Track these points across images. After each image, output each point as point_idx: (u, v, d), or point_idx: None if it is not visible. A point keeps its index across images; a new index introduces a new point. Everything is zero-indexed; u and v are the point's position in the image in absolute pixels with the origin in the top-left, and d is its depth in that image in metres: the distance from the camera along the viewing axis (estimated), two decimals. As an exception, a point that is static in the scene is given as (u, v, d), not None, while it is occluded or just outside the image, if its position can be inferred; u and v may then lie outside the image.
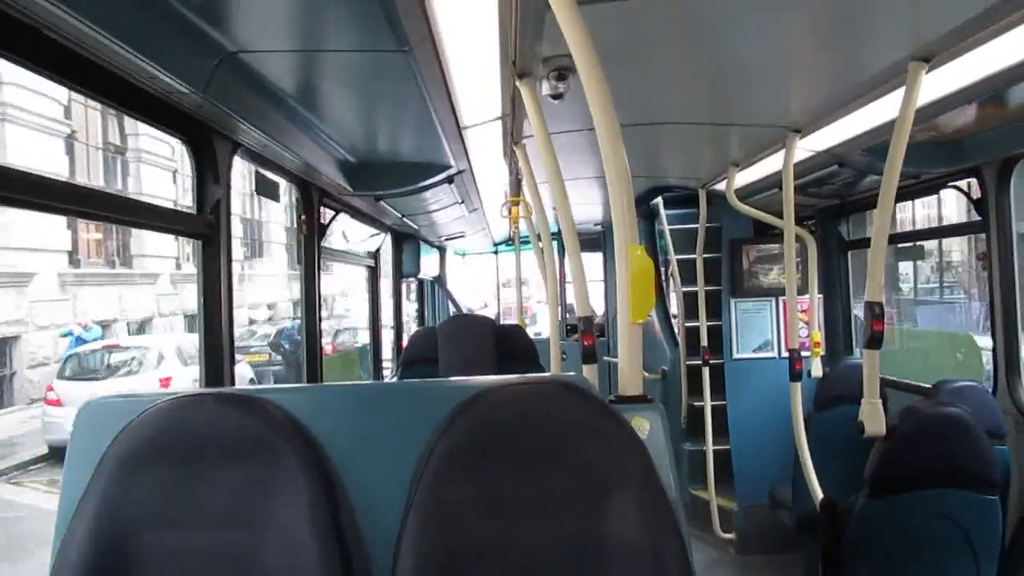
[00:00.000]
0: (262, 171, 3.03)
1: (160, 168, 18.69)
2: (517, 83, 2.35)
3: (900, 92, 2.40)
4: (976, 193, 3.70)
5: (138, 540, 1.38)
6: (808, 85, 2.87)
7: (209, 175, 2.44)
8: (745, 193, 4.37)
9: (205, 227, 2.45)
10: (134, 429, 1.44)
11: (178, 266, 19.66)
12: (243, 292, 21.99)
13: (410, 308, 6.88)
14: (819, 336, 4.81)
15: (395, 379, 5.45)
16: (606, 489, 1.37)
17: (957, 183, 3.90)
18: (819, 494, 3.35)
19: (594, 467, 1.38)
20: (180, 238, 17.86)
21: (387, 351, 6.46)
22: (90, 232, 16.92)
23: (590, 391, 1.48)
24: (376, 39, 2.05)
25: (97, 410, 1.59)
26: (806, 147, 3.45)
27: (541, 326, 6.33)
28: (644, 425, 1.56)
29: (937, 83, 2.44)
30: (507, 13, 1.95)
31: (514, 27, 2.01)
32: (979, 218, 3.69)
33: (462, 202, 4.95)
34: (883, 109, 2.72)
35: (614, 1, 1.89)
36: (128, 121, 16.98)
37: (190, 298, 18.29)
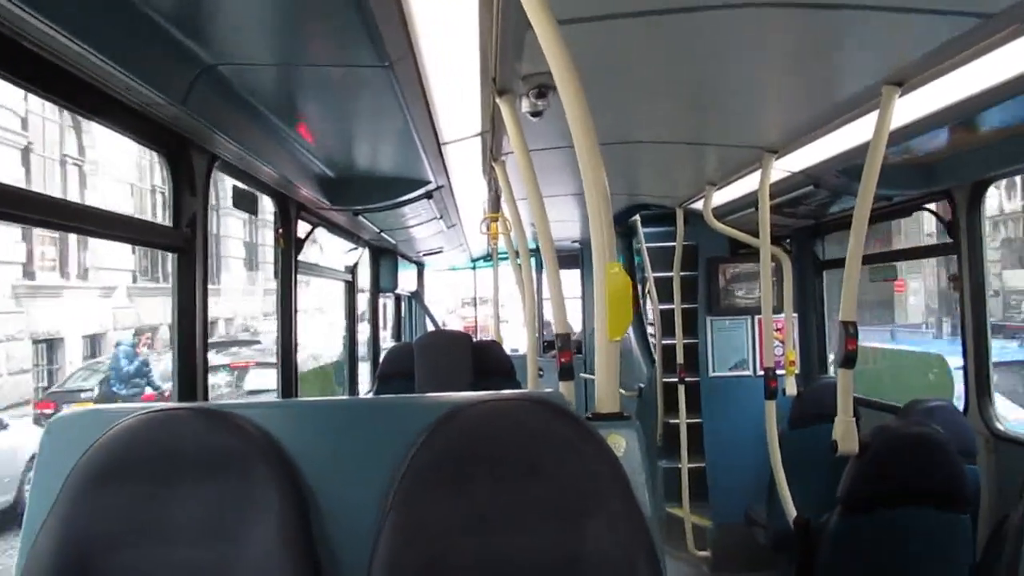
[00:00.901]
0: (239, 184, 3.01)
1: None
2: (497, 100, 2.36)
3: (874, 115, 2.43)
4: (948, 215, 3.75)
5: (106, 557, 1.36)
6: (784, 107, 2.90)
7: (186, 188, 2.42)
8: (722, 212, 4.41)
9: (182, 241, 2.43)
10: (104, 444, 1.42)
11: (29, 274, 14.52)
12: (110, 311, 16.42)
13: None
14: (794, 355, 4.84)
15: (371, 394, 5.42)
16: (582, 505, 1.37)
17: (929, 205, 3.95)
18: (793, 512, 3.36)
19: (570, 483, 1.38)
20: (36, 239, 14.46)
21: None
22: None
23: (567, 408, 1.48)
24: (356, 54, 2.05)
25: (66, 424, 1.56)
26: (782, 168, 3.49)
27: (510, 343, 6.32)
28: (620, 442, 1.56)
29: (910, 107, 2.47)
30: (488, 30, 1.96)
31: (494, 44, 2.02)
32: (951, 240, 3.75)
33: (440, 217, 4.95)
34: (857, 132, 2.76)
35: (594, 21, 1.91)
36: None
37: (43, 318, 14.45)
